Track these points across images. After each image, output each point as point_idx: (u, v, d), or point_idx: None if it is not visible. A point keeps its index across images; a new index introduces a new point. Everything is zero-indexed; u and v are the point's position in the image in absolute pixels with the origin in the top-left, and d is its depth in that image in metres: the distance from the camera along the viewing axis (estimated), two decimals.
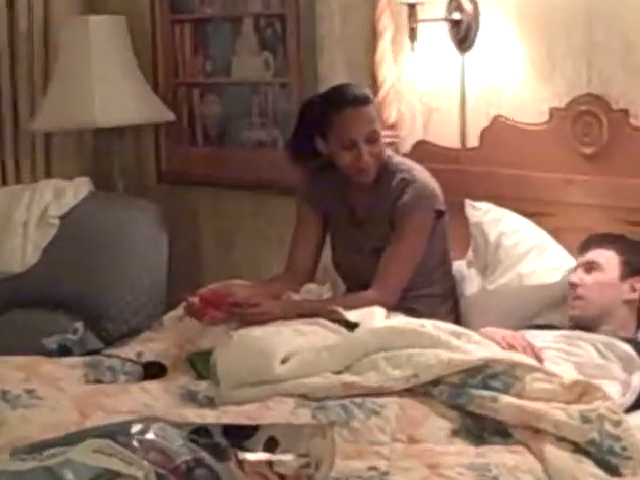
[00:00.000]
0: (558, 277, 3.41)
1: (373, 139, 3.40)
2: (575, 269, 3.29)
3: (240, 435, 2.25)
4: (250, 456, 2.20)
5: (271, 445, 2.23)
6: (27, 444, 2.23)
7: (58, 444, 2.13)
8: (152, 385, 3.04)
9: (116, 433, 2.14)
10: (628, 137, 3.42)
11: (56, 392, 2.91)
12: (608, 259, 3.22)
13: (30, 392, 2.87)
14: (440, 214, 3.48)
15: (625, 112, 3.43)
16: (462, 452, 2.55)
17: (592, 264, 3.23)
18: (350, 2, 4.11)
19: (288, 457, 2.21)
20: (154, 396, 2.92)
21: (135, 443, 2.10)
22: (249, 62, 4.56)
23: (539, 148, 3.63)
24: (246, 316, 3.22)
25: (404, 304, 3.33)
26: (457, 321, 3.35)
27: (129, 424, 2.19)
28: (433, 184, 3.48)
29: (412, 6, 3.76)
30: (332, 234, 3.67)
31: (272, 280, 3.66)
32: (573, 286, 3.24)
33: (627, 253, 3.24)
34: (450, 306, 3.53)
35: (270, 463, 2.20)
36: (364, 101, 3.45)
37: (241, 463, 2.16)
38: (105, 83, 4.55)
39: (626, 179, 3.40)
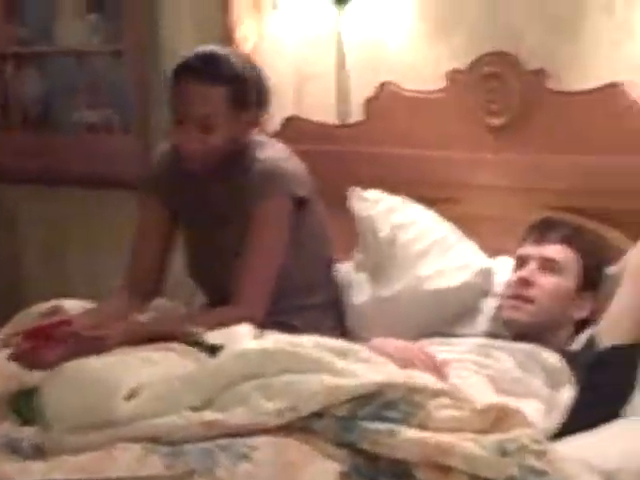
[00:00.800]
0: (464, 279, 3.43)
1: (206, 126, 3.38)
2: (524, 262, 3.29)
3: None
4: None
5: None
6: None
7: None
8: None
9: None
10: (546, 103, 3.45)
11: None
12: (570, 262, 3.26)
13: None
14: (303, 203, 3.46)
15: (540, 73, 3.46)
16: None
17: (552, 263, 3.25)
18: None
19: None
20: None
21: None
22: (74, 25, 4.51)
23: (437, 121, 3.65)
24: (84, 345, 3.16)
25: (278, 318, 3.31)
26: (344, 336, 3.29)
27: None
28: (291, 164, 3.47)
29: None
30: (185, 234, 3.65)
31: (112, 298, 3.60)
32: (523, 283, 3.24)
33: (588, 258, 3.28)
34: (335, 318, 3.53)
35: None
36: (199, 74, 3.40)
37: None
38: None
39: (546, 155, 3.45)
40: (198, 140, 3.37)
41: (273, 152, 3.48)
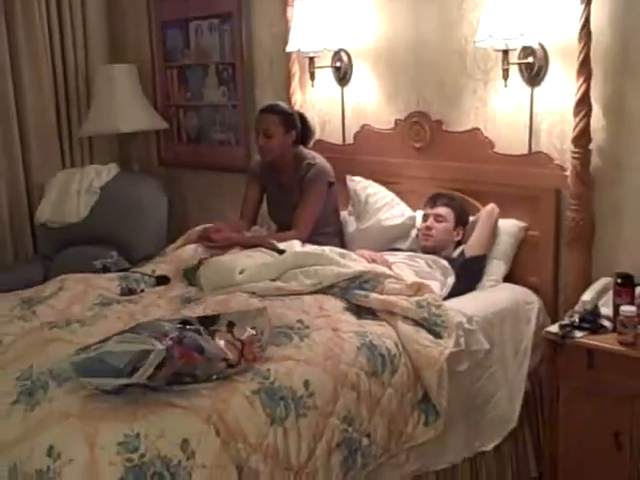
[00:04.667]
0: (401, 220, 3.38)
1: (267, 135, 3.35)
2: (427, 217, 3.20)
3: (209, 323, 2.23)
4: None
5: (230, 326, 2.21)
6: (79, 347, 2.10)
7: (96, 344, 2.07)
8: (161, 290, 3.00)
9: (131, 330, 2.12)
10: (441, 137, 3.37)
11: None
12: (449, 214, 3.17)
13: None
14: (331, 184, 3.44)
15: (439, 122, 3.39)
16: (350, 322, 2.54)
17: (440, 217, 3.17)
18: (274, 55, 4.01)
19: (243, 331, 2.20)
20: (163, 300, 2.86)
21: (143, 332, 2.07)
22: (213, 92, 4.45)
23: (389, 144, 3.56)
24: (225, 240, 3.24)
25: (312, 239, 3.28)
26: (343, 248, 3.28)
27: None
28: (327, 166, 3.44)
29: (311, 58, 3.73)
30: (268, 197, 3.61)
31: (235, 223, 3.57)
32: (428, 228, 3.17)
33: (458, 210, 3.20)
34: (339, 239, 3.48)
35: (232, 334, 2.18)
36: (267, 110, 3.40)
37: (213, 337, 2.14)
38: (124, 105, 4.46)
39: (441, 162, 3.35)
40: (264, 141, 3.35)
41: (316, 157, 3.44)
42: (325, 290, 2.71)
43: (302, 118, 3.50)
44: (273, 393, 2.09)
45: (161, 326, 2.13)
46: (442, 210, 3.18)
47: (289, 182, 3.45)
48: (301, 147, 3.49)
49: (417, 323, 2.53)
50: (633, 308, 2.54)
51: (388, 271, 2.83)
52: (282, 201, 3.49)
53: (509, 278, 3.14)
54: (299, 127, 3.45)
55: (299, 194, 3.39)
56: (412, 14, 3.43)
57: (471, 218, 3.21)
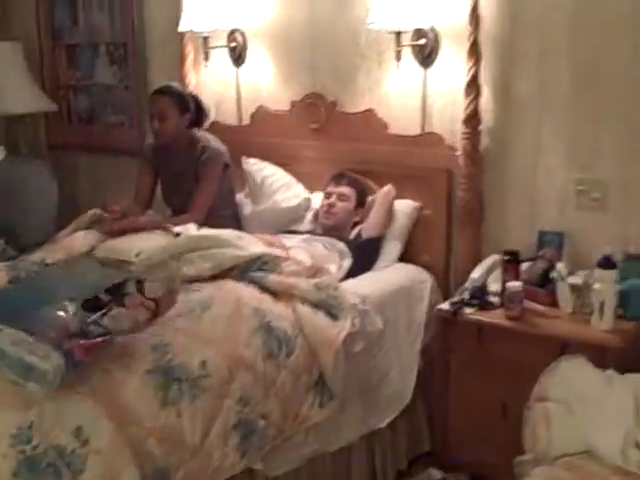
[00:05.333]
0: (297, 202, 3.42)
1: (162, 117, 3.32)
2: (330, 195, 3.23)
3: (118, 289, 2.20)
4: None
5: (140, 284, 2.20)
6: None
7: None
8: None
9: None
10: (337, 118, 3.42)
11: None
12: (352, 194, 3.22)
13: None
14: (227, 166, 3.44)
15: (334, 103, 3.43)
16: (253, 294, 2.57)
17: (343, 196, 3.21)
18: (167, 35, 3.92)
19: (155, 284, 2.20)
20: None
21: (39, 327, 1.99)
22: (105, 72, 4.37)
23: (286, 125, 3.57)
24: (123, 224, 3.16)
25: (209, 222, 3.24)
26: (240, 230, 3.22)
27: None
28: (222, 148, 3.42)
29: (205, 38, 3.70)
30: (162, 181, 3.57)
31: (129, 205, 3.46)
32: (331, 206, 3.21)
33: (360, 191, 3.25)
34: (236, 222, 3.47)
35: (142, 293, 2.18)
36: (160, 92, 3.36)
37: (123, 305, 2.12)
38: (9, 86, 4.30)
39: (336, 143, 3.40)
40: (159, 125, 3.31)
41: (211, 139, 3.42)
42: (224, 273, 2.71)
43: (196, 100, 3.48)
44: (169, 373, 2.10)
45: (61, 319, 2.05)
46: (346, 190, 3.23)
47: (184, 165, 3.42)
48: (195, 130, 3.47)
49: (315, 305, 2.57)
50: (519, 284, 2.67)
51: (285, 254, 2.85)
52: (177, 185, 3.45)
53: (403, 257, 3.23)
54: (193, 109, 3.42)
55: (194, 177, 3.37)
56: None
57: (368, 198, 3.28)
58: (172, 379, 2.10)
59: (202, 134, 3.48)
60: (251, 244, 2.89)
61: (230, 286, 2.61)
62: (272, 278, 2.64)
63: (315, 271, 2.71)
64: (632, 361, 2.38)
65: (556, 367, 1.95)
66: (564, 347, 2.45)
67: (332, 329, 2.51)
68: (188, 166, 3.40)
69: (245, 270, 2.69)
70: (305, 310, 2.54)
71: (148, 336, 2.19)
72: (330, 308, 2.57)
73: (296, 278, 2.65)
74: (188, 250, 2.82)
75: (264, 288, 2.62)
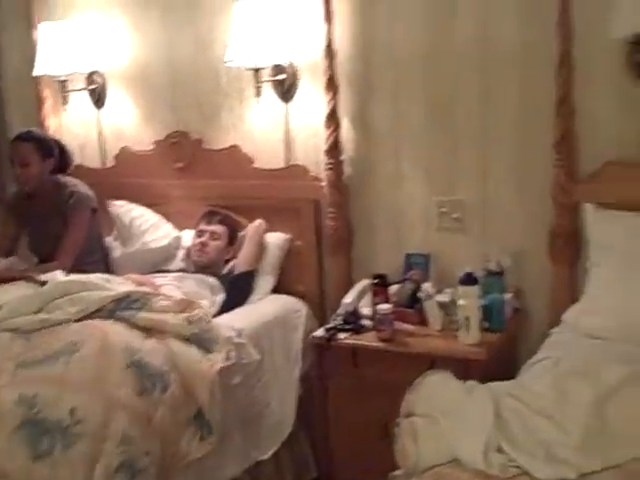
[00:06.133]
0: (167, 242, 3.43)
1: (24, 164, 3.27)
2: (202, 233, 3.26)
3: None
4: None
5: None
6: None
7: None
8: None
9: None
10: (202, 156, 3.47)
11: None
12: (223, 232, 3.27)
13: None
14: (94, 211, 3.41)
15: (199, 141, 3.49)
16: (121, 334, 2.55)
17: (215, 234, 3.25)
18: (24, 79, 3.82)
19: None
20: None
21: None
22: None
23: (151, 165, 3.59)
24: None
25: (79, 268, 3.19)
26: (110, 274, 3.19)
27: None
28: (89, 192, 3.39)
29: (62, 81, 3.67)
30: (28, 230, 3.48)
31: None
32: (203, 245, 3.24)
33: (231, 228, 3.30)
34: (105, 266, 3.44)
35: None
36: (21, 138, 3.32)
37: None
38: None
39: (204, 180, 3.44)
40: (21, 172, 3.27)
41: (77, 183, 3.39)
42: (92, 315, 2.67)
43: (59, 145, 3.45)
44: (37, 426, 2.08)
45: None
46: (217, 228, 3.28)
47: (50, 211, 3.37)
48: (60, 175, 3.44)
49: (188, 340, 2.59)
50: (388, 306, 2.78)
51: (155, 291, 2.86)
52: (44, 232, 3.38)
53: (278, 289, 3.30)
54: (57, 154, 3.39)
55: (61, 224, 3.33)
56: (166, 35, 3.53)
57: (240, 234, 3.34)
58: (42, 432, 2.08)
59: (68, 179, 3.44)
60: (120, 285, 2.89)
61: (97, 326, 2.58)
62: (142, 315, 2.64)
63: (186, 305, 2.72)
64: (497, 371, 2.50)
65: (421, 383, 2.05)
66: (434, 363, 2.56)
67: (205, 362, 2.53)
68: (55, 212, 3.35)
69: (113, 310, 2.67)
70: (177, 345, 2.56)
71: (12, 390, 2.16)
72: (203, 342, 2.60)
73: (167, 314, 2.66)
74: (54, 298, 2.76)
75: (134, 326, 2.61)
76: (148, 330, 2.61)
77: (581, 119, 2.71)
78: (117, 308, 2.68)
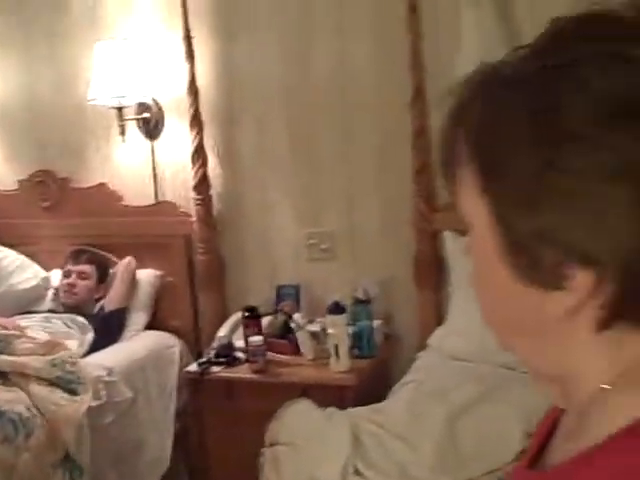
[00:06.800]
0: (35, 283, 3.39)
1: None
2: (69, 274, 3.24)
3: None
4: None
5: None
6: None
7: None
8: None
9: None
10: (70, 194, 3.47)
11: None
12: (92, 271, 3.26)
13: None
14: None
15: (66, 179, 3.48)
16: None
17: (83, 274, 3.23)
18: None
19: None
20: None
21: None
22: None
23: (14, 205, 3.55)
24: None
25: None
26: None
27: None
28: None
29: None
30: None
31: None
32: (71, 285, 3.22)
33: (100, 267, 3.29)
34: None
35: None
36: None
37: None
38: None
39: (72, 219, 3.43)
40: None
41: None
42: None
43: None
44: None
45: None
46: (85, 267, 3.26)
47: None
48: None
49: (51, 383, 2.58)
50: (259, 337, 2.84)
51: (19, 333, 2.84)
52: None
53: (153, 325, 3.31)
54: None
55: None
56: (26, 73, 3.51)
57: (110, 272, 3.33)
58: None
59: None
60: None
61: None
62: (3, 358, 2.62)
63: (52, 347, 2.72)
64: (370, 396, 2.58)
65: (283, 412, 2.12)
66: (306, 392, 2.63)
67: (71, 405, 2.53)
68: None
69: None
70: (40, 389, 2.54)
71: None
72: (68, 384, 2.59)
73: (29, 356, 2.64)
74: None
75: None
76: (10, 374, 2.59)
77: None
78: None
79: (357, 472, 1.84)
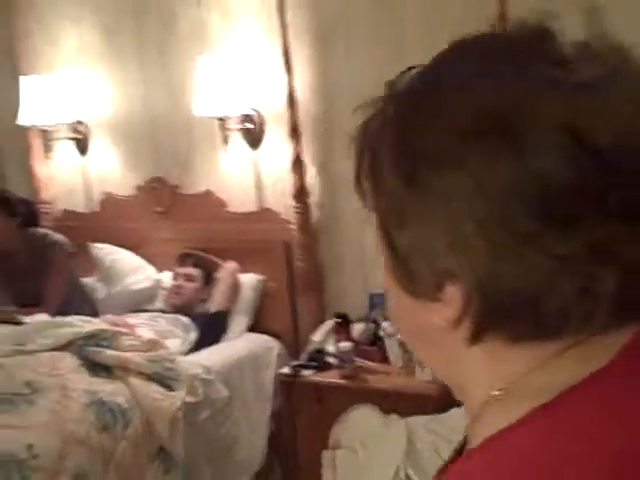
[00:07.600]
0: (148, 284, 3.63)
1: None
2: (177, 276, 3.44)
3: None
4: None
5: None
6: None
7: None
8: None
9: None
10: (179, 200, 3.69)
11: None
12: (197, 274, 3.45)
13: None
14: (71, 255, 3.60)
15: (176, 186, 3.71)
16: (81, 381, 2.73)
17: (190, 277, 3.43)
18: (10, 129, 3.98)
19: None
20: None
21: None
22: None
23: (133, 210, 3.81)
24: None
25: (61, 311, 3.32)
26: (94, 316, 3.33)
27: None
28: (62, 238, 3.59)
29: (47, 131, 3.93)
30: (4, 284, 3.52)
31: None
32: (178, 287, 3.42)
33: (205, 270, 3.46)
34: (88, 307, 3.58)
35: None
36: None
37: None
38: None
39: (181, 224, 3.65)
40: None
41: (49, 233, 3.60)
42: (62, 348, 2.86)
43: (27, 202, 3.66)
44: None
45: None
46: (192, 270, 3.45)
47: (26, 264, 3.52)
48: (31, 229, 3.62)
49: (150, 377, 2.77)
50: (349, 344, 2.95)
51: (126, 330, 3.05)
52: (22, 284, 3.50)
53: (255, 328, 3.47)
54: (25, 210, 3.56)
55: (40, 273, 3.48)
56: (143, 87, 3.78)
57: (215, 275, 3.51)
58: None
59: (39, 230, 3.64)
60: (94, 325, 3.06)
61: (60, 373, 2.74)
62: (109, 353, 2.82)
63: (152, 345, 2.91)
64: (450, 406, 2.63)
65: (346, 416, 2.21)
66: (393, 399, 2.72)
67: (167, 400, 2.70)
68: (31, 263, 3.52)
69: (83, 345, 2.86)
70: (139, 383, 2.73)
71: None
72: (165, 379, 2.77)
73: (132, 353, 2.83)
74: (33, 333, 2.98)
75: (97, 363, 2.79)
76: (113, 368, 2.80)
77: None
78: (86, 344, 2.88)
79: (408, 478, 1.92)
